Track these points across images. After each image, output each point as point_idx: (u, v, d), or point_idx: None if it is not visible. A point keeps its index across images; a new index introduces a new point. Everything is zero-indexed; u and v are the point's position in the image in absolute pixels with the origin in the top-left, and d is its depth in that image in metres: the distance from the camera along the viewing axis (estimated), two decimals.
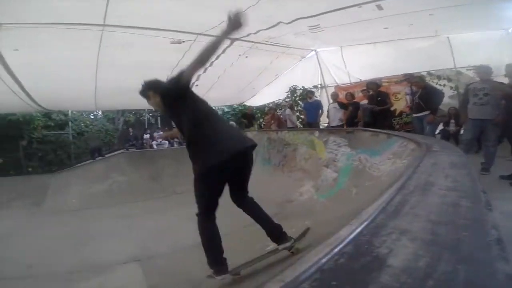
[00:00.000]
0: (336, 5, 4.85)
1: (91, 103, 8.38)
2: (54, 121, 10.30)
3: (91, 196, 6.42)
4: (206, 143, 1.87)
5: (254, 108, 10.59)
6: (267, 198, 4.32)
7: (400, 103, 7.18)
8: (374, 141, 3.81)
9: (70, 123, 10.70)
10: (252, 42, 6.46)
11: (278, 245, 2.15)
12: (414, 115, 5.29)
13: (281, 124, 8.10)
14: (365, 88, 6.77)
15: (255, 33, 5.84)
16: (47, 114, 9.94)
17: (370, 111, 5.92)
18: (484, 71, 4.24)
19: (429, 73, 6.77)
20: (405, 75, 6.52)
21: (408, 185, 1.08)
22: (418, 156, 2.07)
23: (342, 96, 7.44)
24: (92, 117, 14.36)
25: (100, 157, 8.17)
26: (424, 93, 4.99)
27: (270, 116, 8.61)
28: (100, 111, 13.93)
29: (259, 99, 11.02)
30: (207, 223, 1.99)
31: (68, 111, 10.47)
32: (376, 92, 6.05)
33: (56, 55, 5.28)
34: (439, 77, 6.75)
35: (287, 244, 2.13)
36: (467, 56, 6.30)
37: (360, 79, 7.94)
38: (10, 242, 4.05)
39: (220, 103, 12.16)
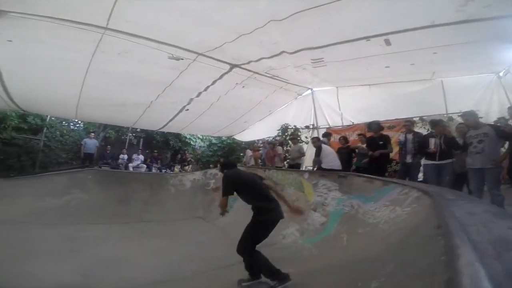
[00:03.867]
0: (344, 36, 4.65)
1: (71, 111, 7.74)
2: (28, 124, 9.53)
3: (40, 209, 5.58)
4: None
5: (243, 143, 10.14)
6: None
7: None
8: (368, 188, 3.67)
9: (45, 129, 9.95)
10: (252, 71, 6.36)
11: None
12: (431, 162, 4.52)
13: (271, 160, 7.66)
14: (361, 133, 6.66)
15: (256, 61, 5.76)
16: (23, 116, 9.23)
17: (367, 156, 5.64)
18: (471, 118, 4.06)
19: (421, 118, 6.41)
20: (406, 120, 5.77)
21: (480, 244, 0.76)
22: (433, 205, 1.76)
23: (333, 139, 7.28)
24: (72, 127, 13.51)
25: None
26: (450, 138, 4.39)
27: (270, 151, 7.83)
28: (82, 122, 13.20)
29: (248, 134, 10.84)
30: (257, 254, 2.69)
31: (46, 116, 9.82)
32: (379, 135, 5.58)
33: (48, 53, 4.92)
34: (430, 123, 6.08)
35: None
36: (458, 101, 6.04)
37: (353, 122, 7.88)
38: None
39: (209, 132, 11.86)
